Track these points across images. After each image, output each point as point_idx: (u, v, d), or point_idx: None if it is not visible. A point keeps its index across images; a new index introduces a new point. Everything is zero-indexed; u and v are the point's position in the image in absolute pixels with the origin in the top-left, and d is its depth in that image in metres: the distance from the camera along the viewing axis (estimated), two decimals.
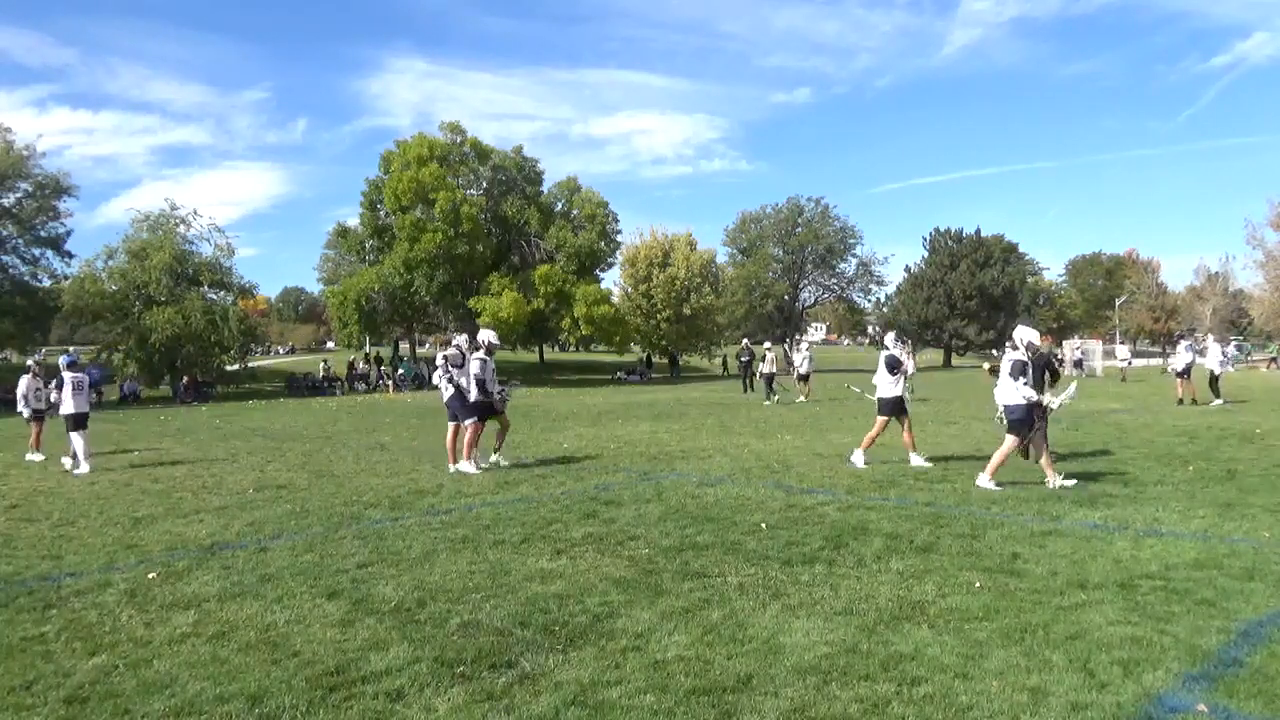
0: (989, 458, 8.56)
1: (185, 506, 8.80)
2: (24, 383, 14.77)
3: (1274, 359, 49.94)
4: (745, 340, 30.56)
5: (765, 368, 25.66)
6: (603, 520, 7.55)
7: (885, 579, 5.49)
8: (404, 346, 56.33)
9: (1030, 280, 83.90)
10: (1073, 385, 9.75)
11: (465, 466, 10.75)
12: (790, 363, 31.70)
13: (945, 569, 5.69)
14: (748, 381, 28.28)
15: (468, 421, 10.81)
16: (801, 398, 24.42)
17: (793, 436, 14.48)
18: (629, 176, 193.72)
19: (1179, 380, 21.09)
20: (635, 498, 8.67)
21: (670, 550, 6.37)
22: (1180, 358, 21.43)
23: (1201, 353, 25.66)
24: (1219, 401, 19.99)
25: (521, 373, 49.33)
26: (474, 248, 44.52)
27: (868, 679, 3.88)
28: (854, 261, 79.52)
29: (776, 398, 24.13)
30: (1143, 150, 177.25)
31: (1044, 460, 8.91)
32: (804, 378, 25.60)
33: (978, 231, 77.25)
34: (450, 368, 11.00)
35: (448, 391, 10.98)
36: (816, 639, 4.40)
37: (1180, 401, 20.31)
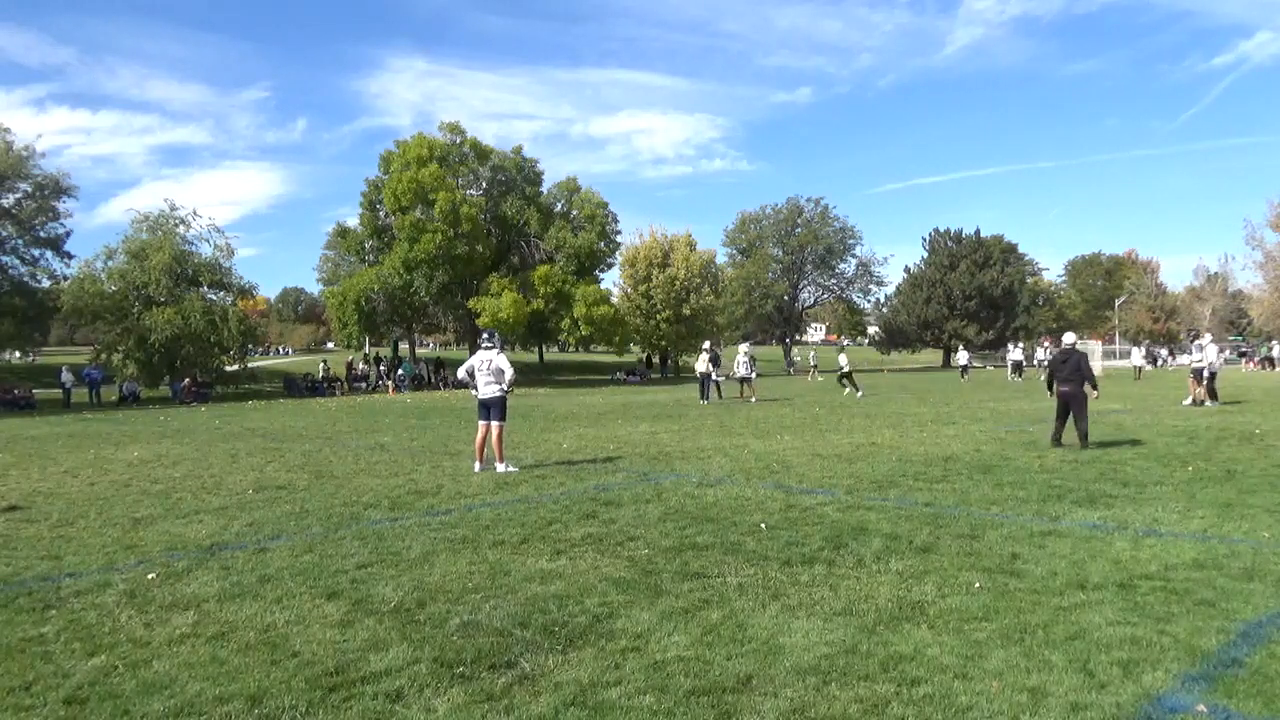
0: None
1: (185, 507, 8.79)
2: None
3: (1267, 359, 49.98)
4: (708, 342, 30.05)
5: (701, 367, 25.83)
6: (602, 521, 7.54)
7: (885, 579, 5.48)
8: (403, 347, 56.34)
9: (1030, 281, 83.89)
10: None
11: (511, 467, 10.82)
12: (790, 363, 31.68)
13: (945, 569, 5.69)
14: (716, 387, 26.35)
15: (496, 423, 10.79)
16: (754, 399, 24.66)
17: (792, 437, 14.47)
18: (629, 176, 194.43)
19: (1192, 381, 20.80)
20: (635, 498, 8.67)
21: (670, 551, 6.36)
22: (1197, 357, 20.86)
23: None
24: (1212, 403, 19.91)
25: (521, 373, 49.36)
26: (474, 248, 44.51)
27: (867, 679, 3.88)
28: (853, 262, 79.61)
29: (706, 401, 24.53)
30: (1144, 150, 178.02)
31: None
32: (745, 380, 25.67)
33: (977, 232, 77.30)
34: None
35: (489, 391, 10.89)
36: (816, 639, 4.40)
37: (1194, 402, 20.02)
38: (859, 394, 25.98)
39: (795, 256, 76.99)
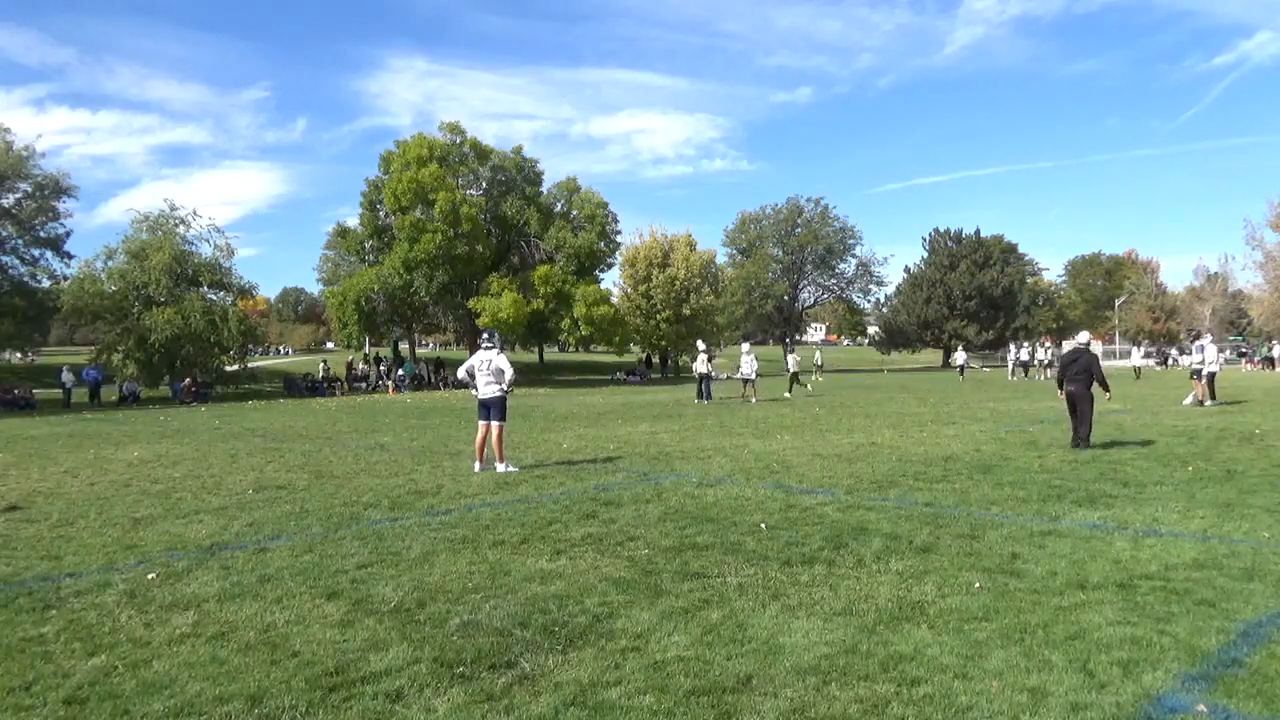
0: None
1: (185, 507, 8.79)
2: None
3: (1267, 359, 50.01)
4: (702, 343, 29.84)
5: (700, 368, 25.98)
6: (602, 521, 7.54)
7: (885, 579, 5.48)
8: (403, 347, 56.36)
9: (1030, 281, 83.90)
10: None
11: (511, 467, 10.83)
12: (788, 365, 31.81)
13: (945, 569, 5.69)
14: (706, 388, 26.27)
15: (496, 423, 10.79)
16: (755, 399, 24.83)
17: (792, 437, 14.48)
18: (629, 176, 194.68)
19: (1194, 380, 20.73)
20: (635, 498, 8.67)
21: (670, 550, 6.36)
22: (1200, 357, 20.64)
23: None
24: (1211, 402, 19.90)
25: (521, 373, 49.36)
26: (474, 248, 44.52)
27: (867, 679, 3.88)
28: (853, 262, 79.70)
29: (704, 401, 24.70)
30: (1144, 150, 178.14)
31: None
32: (747, 381, 25.79)
33: (977, 232, 77.36)
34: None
35: (489, 391, 10.88)
36: (816, 639, 4.40)
37: (1196, 401, 19.96)
38: (787, 395, 26.54)
39: (795, 256, 77.02)
